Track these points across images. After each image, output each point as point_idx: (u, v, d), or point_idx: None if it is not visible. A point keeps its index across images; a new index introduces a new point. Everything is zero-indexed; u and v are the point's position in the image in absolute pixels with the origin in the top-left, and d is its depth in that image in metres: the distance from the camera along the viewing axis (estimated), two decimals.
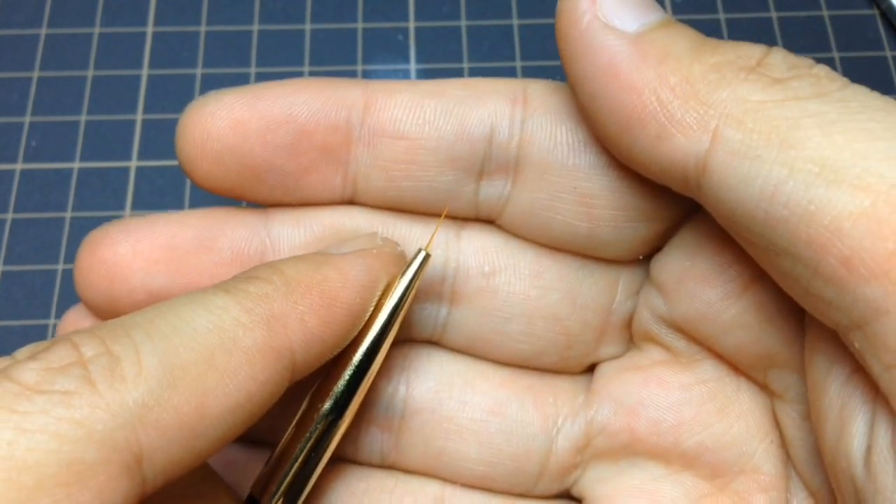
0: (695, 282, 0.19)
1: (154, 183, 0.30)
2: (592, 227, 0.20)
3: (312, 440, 0.19)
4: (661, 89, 0.17)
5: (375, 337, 0.19)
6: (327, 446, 0.19)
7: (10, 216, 0.29)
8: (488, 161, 0.20)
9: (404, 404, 0.21)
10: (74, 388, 0.15)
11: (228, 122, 0.19)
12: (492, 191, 0.20)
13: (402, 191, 0.20)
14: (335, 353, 0.19)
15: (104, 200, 0.29)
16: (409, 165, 0.20)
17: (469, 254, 0.21)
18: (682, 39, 0.17)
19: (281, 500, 0.19)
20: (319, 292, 0.18)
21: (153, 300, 0.19)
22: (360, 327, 0.19)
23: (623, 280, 0.21)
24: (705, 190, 0.17)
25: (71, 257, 0.29)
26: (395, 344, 0.20)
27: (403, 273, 0.19)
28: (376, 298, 0.19)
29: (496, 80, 0.20)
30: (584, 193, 0.19)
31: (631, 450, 0.21)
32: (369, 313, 0.19)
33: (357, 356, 0.19)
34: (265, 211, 0.21)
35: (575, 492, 0.22)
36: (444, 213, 0.20)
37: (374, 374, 0.19)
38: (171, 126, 0.31)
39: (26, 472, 0.14)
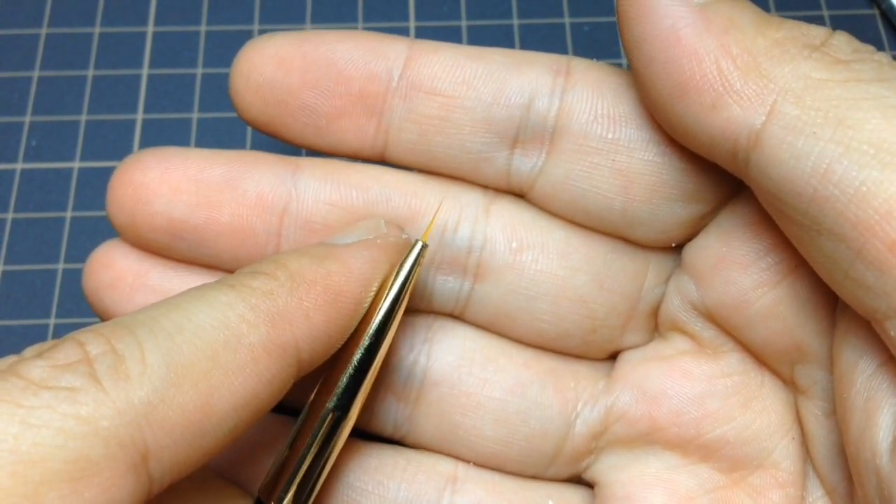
0: (730, 268, 0.19)
1: None
2: (628, 204, 0.20)
3: (319, 439, 0.19)
4: (722, 58, 0.16)
5: (376, 332, 0.19)
6: (334, 445, 0.19)
7: (10, 216, 0.29)
8: (524, 129, 0.20)
9: (424, 376, 0.21)
10: (80, 385, 0.15)
11: (274, 58, 0.20)
12: (525, 162, 0.20)
13: (433, 147, 0.20)
14: (339, 346, 0.18)
15: (104, 200, 0.29)
16: (443, 122, 0.20)
17: (497, 228, 0.21)
18: (747, 13, 0.17)
19: (292, 500, 0.19)
20: (324, 287, 0.18)
21: (172, 229, 0.20)
22: (361, 317, 0.19)
23: (653, 267, 0.21)
24: (753, 165, 0.17)
25: (71, 257, 0.29)
26: (418, 314, 0.20)
27: (401, 266, 0.19)
28: (375, 289, 0.19)
29: (540, 53, 0.21)
30: (622, 168, 0.19)
31: (649, 438, 0.21)
32: (369, 303, 0.19)
33: (358, 353, 0.19)
34: (296, 162, 0.21)
35: (587, 476, 0.22)
36: (441, 204, 0.20)
37: (377, 369, 0.19)
38: (171, 126, 0.31)
39: (32, 466, 0.14)
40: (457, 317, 0.22)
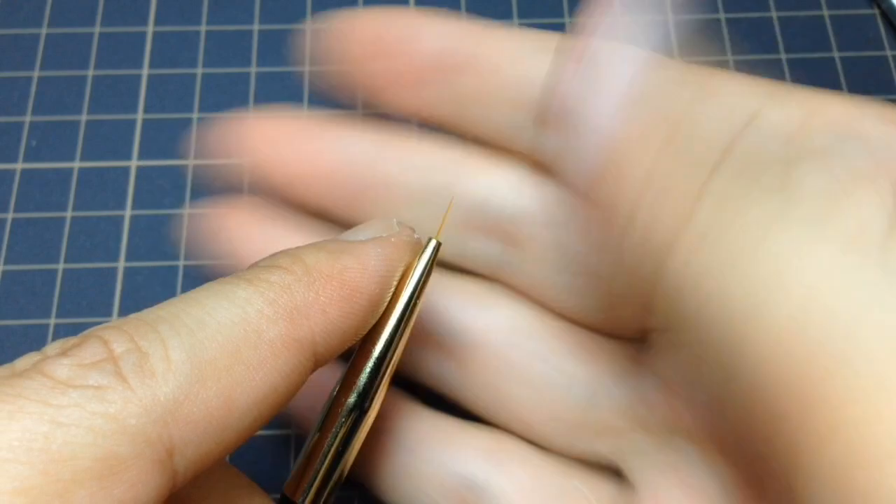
0: None
1: (154, 183, 0.30)
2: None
3: (340, 436, 0.19)
4: None
5: (394, 328, 0.19)
6: (355, 439, 0.19)
7: (10, 216, 0.29)
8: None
9: (470, 336, 0.22)
10: (107, 383, 0.15)
11: (369, 23, 0.22)
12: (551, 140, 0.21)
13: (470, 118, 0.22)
14: (354, 342, 0.19)
15: (104, 200, 0.29)
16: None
17: (527, 200, 0.22)
18: None
19: (313, 497, 0.19)
20: (340, 282, 0.18)
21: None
22: (379, 316, 0.19)
23: None
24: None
25: (71, 257, 0.29)
26: (464, 274, 0.21)
27: (417, 262, 0.19)
28: (392, 288, 0.19)
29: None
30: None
31: (671, 427, 0.21)
32: (386, 303, 0.19)
33: (377, 349, 0.19)
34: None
35: (615, 460, 0.22)
36: (452, 201, 0.20)
37: (395, 364, 0.19)
38: (171, 126, 0.31)
39: (63, 465, 0.14)
40: (496, 279, 0.23)
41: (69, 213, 0.29)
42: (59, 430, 0.14)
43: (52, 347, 0.16)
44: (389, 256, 0.19)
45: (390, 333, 0.19)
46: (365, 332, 0.19)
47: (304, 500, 0.19)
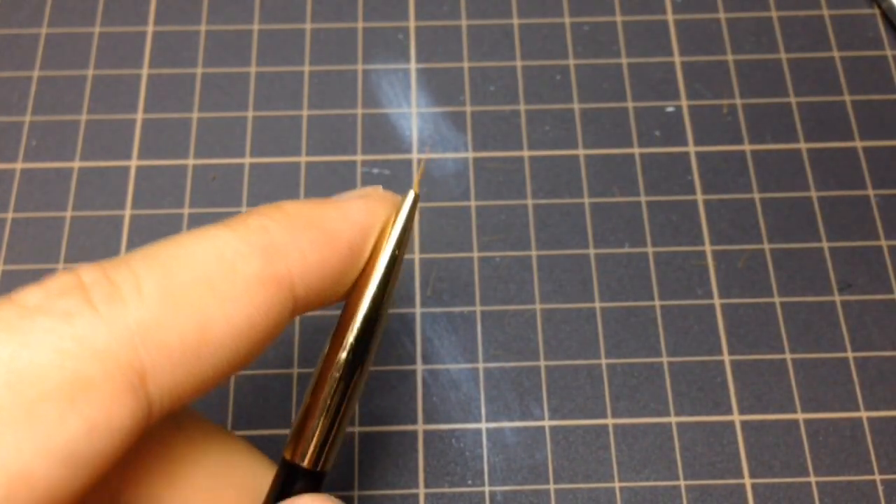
0: None
1: (154, 183, 0.30)
2: None
3: (336, 393, 0.19)
4: None
5: (382, 278, 0.19)
6: (351, 396, 0.19)
7: (10, 216, 0.29)
8: None
9: None
10: (76, 309, 0.15)
11: None
12: None
13: None
14: (336, 290, 0.19)
15: (104, 200, 0.29)
16: None
17: None
18: None
19: (313, 456, 0.19)
20: (320, 227, 0.18)
21: None
22: (361, 267, 0.19)
23: None
24: None
25: (71, 257, 0.29)
26: None
27: (398, 213, 0.19)
28: (374, 239, 0.19)
29: None
30: None
31: None
32: (368, 253, 0.19)
33: (365, 302, 0.19)
34: None
35: None
36: (427, 155, 0.20)
37: (385, 317, 0.19)
38: (171, 126, 0.31)
39: (28, 384, 0.14)
40: None
41: (69, 213, 0.29)
42: (25, 350, 0.14)
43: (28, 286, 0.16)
44: (370, 207, 0.19)
45: (380, 283, 0.19)
46: (348, 282, 0.19)
47: (304, 461, 0.19)
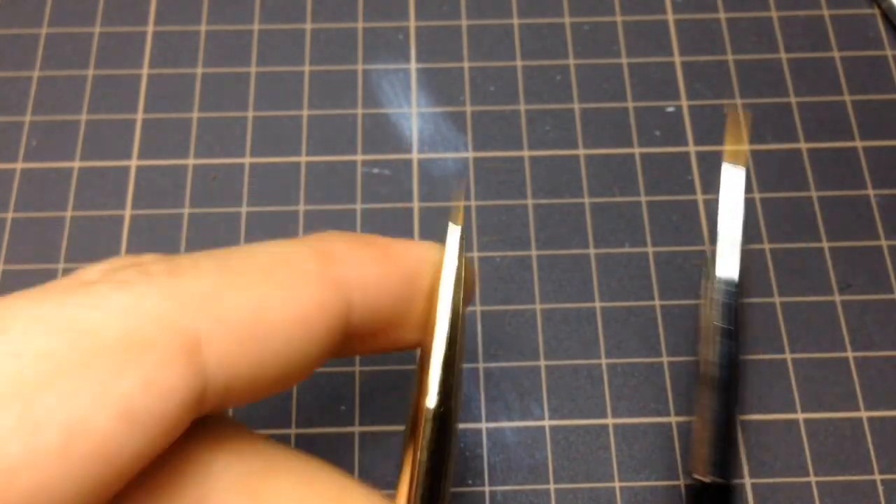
0: None
1: (154, 182, 0.30)
2: None
3: (428, 442, 0.18)
4: None
5: (453, 308, 0.18)
6: (449, 439, 0.18)
7: (10, 216, 0.29)
8: None
9: None
10: (134, 278, 0.16)
11: None
12: None
13: None
14: (394, 318, 0.18)
15: (104, 200, 0.29)
16: None
17: None
18: None
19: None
20: (379, 246, 0.19)
21: None
22: (421, 298, 0.19)
23: None
24: None
25: (71, 257, 0.29)
26: None
27: (448, 247, 0.19)
28: (430, 272, 0.19)
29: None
30: None
31: None
32: (426, 287, 0.19)
33: (438, 341, 0.18)
34: None
35: None
36: (463, 190, 0.20)
37: (462, 347, 0.19)
38: (171, 126, 0.31)
39: (86, 337, 0.15)
40: None
41: (69, 213, 0.29)
42: (83, 310, 0.15)
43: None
44: (430, 245, 0.19)
45: (449, 317, 0.18)
46: (407, 313, 0.19)
47: None
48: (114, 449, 0.14)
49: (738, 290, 0.19)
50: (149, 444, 0.15)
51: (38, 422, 0.14)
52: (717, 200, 0.29)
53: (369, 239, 0.19)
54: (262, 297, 0.16)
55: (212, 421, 0.18)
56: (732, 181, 0.19)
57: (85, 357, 0.14)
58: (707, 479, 0.18)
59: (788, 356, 0.27)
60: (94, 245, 0.29)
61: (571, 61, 0.32)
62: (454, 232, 0.19)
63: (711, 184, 0.30)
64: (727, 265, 0.18)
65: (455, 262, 0.19)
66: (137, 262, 0.16)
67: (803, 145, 0.30)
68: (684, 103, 0.31)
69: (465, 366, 0.27)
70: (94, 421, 0.14)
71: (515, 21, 0.33)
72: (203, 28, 0.32)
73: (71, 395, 0.14)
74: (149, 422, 0.15)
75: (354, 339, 0.19)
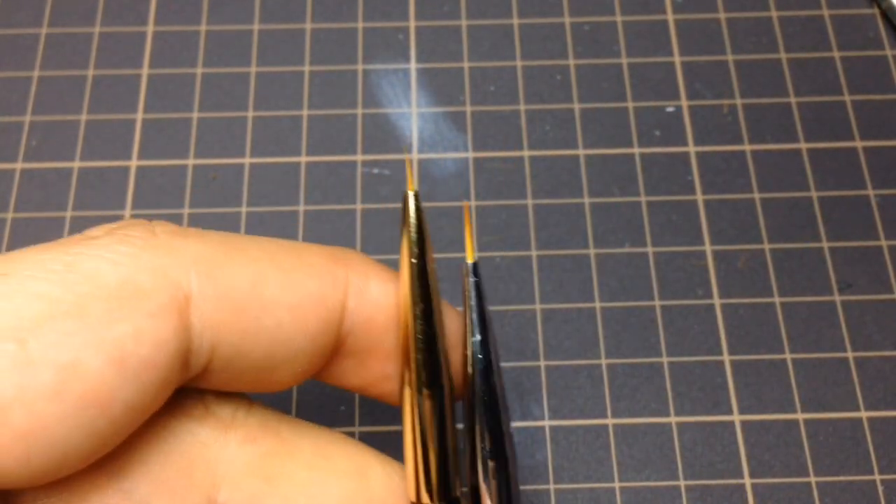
0: None
1: (154, 182, 0.30)
2: None
3: (428, 423, 0.18)
4: None
5: (422, 277, 0.18)
6: (447, 419, 0.18)
7: (10, 216, 0.29)
8: None
9: None
10: (137, 233, 0.16)
11: None
12: None
13: None
14: (387, 334, 0.18)
15: (104, 200, 0.29)
16: None
17: None
18: None
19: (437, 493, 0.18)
20: (386, 268, 0.19)
21: None
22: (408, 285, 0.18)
23: None
24: None
25: None
26: None
27: (406, 216, 0.18)
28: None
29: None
30: None
31: None
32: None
33: (417, 323, 0.18)
34: None
35: None
36: (409, 156, 0.20)
37: (440, 315, 0.18)
38: (171, 126, 0.31)
39: (82, 281, 0.15)
40: None
41: (69, 213, 0.29)
42: (81, 257, 0.15)
43: None
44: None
45: (423, 281, 0.18)
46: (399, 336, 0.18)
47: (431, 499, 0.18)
48: (106, 395, 0.14)
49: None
50: (139, 395, 0.15)
51: (32, 360, 0.14)
52: (716, 200, 0.30)
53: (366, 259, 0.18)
54: (261, 273, 0.16)
55: (219, 404, 0.18)
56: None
57: (81, 300, 0.14)
58: None
59: (788, 356, 0.27)
60: None
61: (571, 61, 0.32)
62: (411, 199, 0.19)
63: (711, 184, 0.30)
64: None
65: (414, 221, 0.18)
66: (146, 223, 0.16)
67: (803, 145, 0.30)
68: (684, 103, 0.31)
69: None
70: (87, 364, 0.14)
71: (515, 21, 0.33)
72: (203, 28, 0.32)
73: (65, 337, 0.14)
74: (140, 371, 0.15)
75: (343, 357, 0.18)
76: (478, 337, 0.18)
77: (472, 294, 0.19)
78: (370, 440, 0.26)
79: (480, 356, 0.18)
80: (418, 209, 0.18)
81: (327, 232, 0.29)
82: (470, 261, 0.19)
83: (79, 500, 0.16)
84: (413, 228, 0.18)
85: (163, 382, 0.15)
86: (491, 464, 0.18)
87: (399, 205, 0.29)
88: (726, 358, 0.27)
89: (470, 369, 0.18)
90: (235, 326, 0.16)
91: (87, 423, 0.14)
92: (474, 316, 0.19)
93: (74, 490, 0.16)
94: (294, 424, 0.18)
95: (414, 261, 0.18)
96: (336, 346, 0.18)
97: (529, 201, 0.30)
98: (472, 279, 0.19)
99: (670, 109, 0.31)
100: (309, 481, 0.17)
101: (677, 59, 0.32)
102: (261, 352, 0.16)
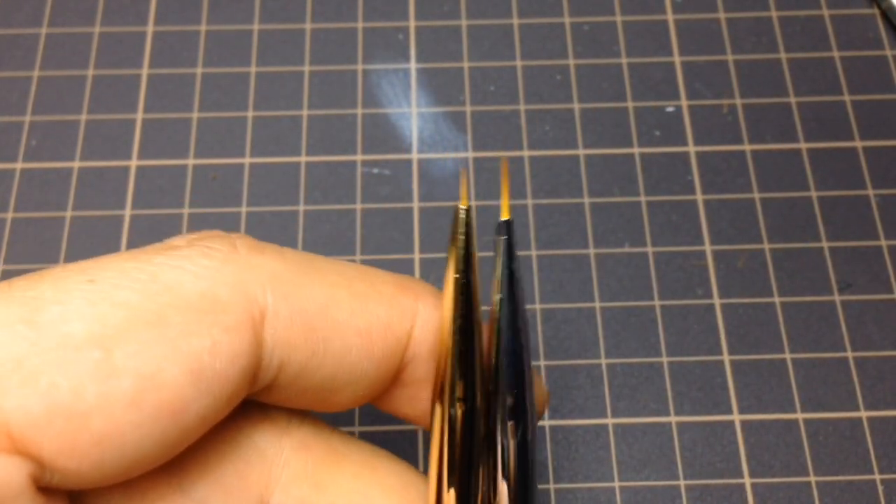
0: None
1: (154, 182, 0.30)
2: None
3: (458, 441, 0.17)
4: None
5: (465, 294, 0.18)
6: (476, 438, 0.18)
7: (10, 216, 0.29)
8: None
9: None
10: (218, 246, 0.16)
11: None
12: None
13: None
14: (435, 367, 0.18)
15: (104, 200, 0.29)
16: None
17: None
18: None
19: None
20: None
21: None
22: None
23: None
24: None
25: (71, 257, 0.29)
26: None
27: (456, 232, 0.18)
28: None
29: None
30: None
31: None
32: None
33: (454, 337, 0.18)
34: None
35: None
36: (464, 172, 0.20)
37: (481, 344, 0.18)
38: (171, 126, 0.31)
39: (162, 291, 0.15)
40: None
41: (69, 213, 0.29)
42: (164, 268, 0.15)
43: None
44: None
45: (460, 311, 0.18)
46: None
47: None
48: (180, 405, 0.15)
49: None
50: (212, 406, 0.15)
51: (115, 369, 0.14)
52: (716, 200, 0.30)
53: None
54: (334, 297, 0.17)
55: (276, 411, 0.18)
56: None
57: (162, 311, 0.15)
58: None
59: (788, 356, 0.27)
60: (94, 245, 0.29)
61: (571, 61, 0.32)
62: (461, 215, 0.19)
63: (711, 184, 0.30)
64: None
65: (468, 250, 0.18)
66: (226, 236, 0.17)
67: (803, 145, 0.30)
68: (684, 103, 0.31)
69: None
70: (165, 374, 0.14)
71: (515, 21, 0.33)
72: (203, 28, 0.32)
73: (146, 346, 0.14)
74: (214, 383, 0.15)
75: (401, 386, 0.18)
76: (499, 296, 0.18)
77: (503, 252, 0.19)
78: (370, 440, 0.26)
79: (505, 315, 0.18)
80: (468, 224, 0.18)
81: (327, 232, 0.29)
82: (504, 217, 0.19)
83: (140, 498, 0.16)
84: (461, 244, 0.18)
85: (232, 395, 0.16)
86: (510, 423, 0.18)
87: (399, 205, 0.29)
88: (726, 358, 0.27)
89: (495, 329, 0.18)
90: (305, 346, 0.16)
91: (160, 431, 0.15)
92: (503, 273, 0.18)
93: (136, 488, 0.16)
94: (343, 437, 0.19)
95: (457, 276, 0.18)
96: (398, 374, 0.18)
97: (529, 201, 0.30)
98: (504, 238, 0.19)
99: (670, 109, 0.31)
100: (355, 491, 0.18)
101: (677, 58, 0.32)
102: (326, 372, 0.17)
